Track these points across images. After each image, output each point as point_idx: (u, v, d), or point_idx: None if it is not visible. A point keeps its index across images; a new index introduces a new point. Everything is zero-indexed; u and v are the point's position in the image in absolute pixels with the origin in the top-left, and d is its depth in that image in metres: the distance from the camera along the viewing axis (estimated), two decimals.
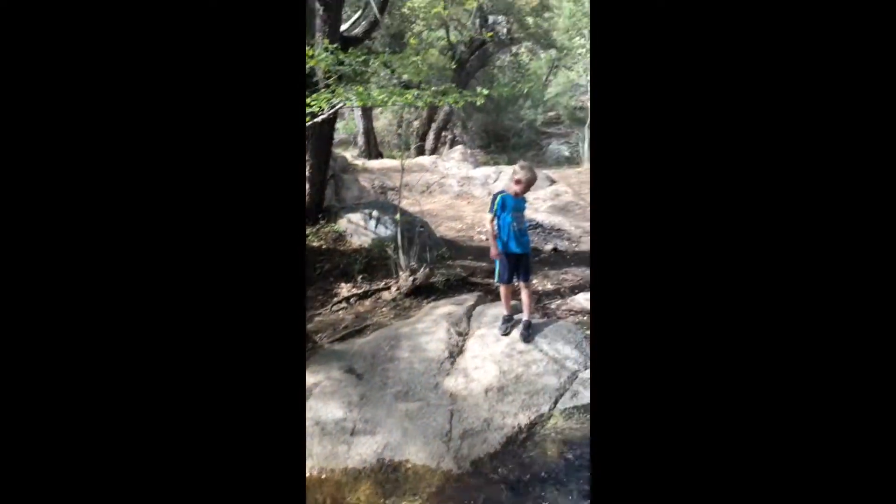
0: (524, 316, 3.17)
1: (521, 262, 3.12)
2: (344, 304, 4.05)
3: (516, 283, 3.18)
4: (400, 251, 4.03)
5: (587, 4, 8.05)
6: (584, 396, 2.70)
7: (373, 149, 13.77)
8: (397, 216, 4.10)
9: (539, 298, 4.19)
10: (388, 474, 2.33)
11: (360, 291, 4.17)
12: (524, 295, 3.17)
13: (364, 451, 2.43)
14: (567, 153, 13.91)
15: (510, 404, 2.66)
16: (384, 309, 3.95)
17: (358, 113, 13.37)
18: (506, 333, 3.13)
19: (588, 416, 2.58)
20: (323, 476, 2.34)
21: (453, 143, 14.80)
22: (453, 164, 9.65)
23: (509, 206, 3.04)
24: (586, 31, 8.07)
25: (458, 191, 8.23)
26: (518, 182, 3.00)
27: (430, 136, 14.18)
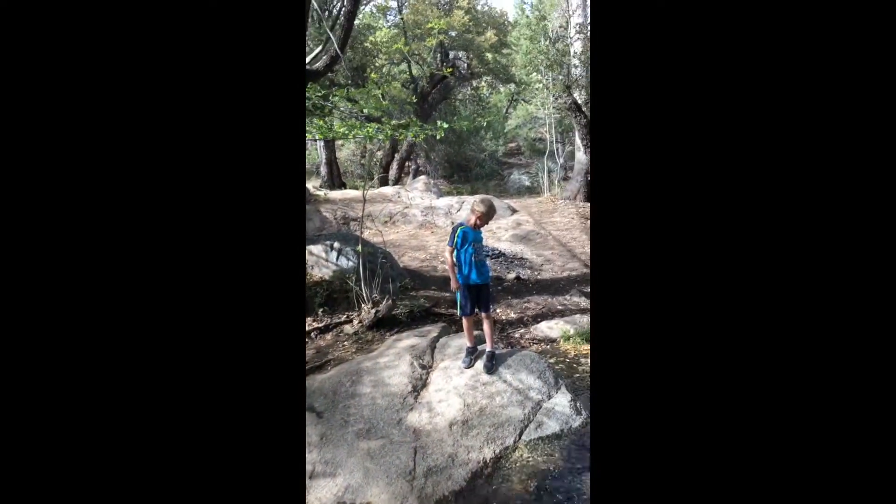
0: (487, 347, 3.16)
1: (481, 293, 3.15)
2: (304, 339, 3.93)
3: (478, 314, 3.18)
4: (362, 283, 3.98)
5: (543, 42, 8.46)
6: (549, 427, 2.70)
7: (336, 179, 13.74)
8: (359, 247, 4.06)
9: (503, 328, 4.21)
10: None
11: (320, 325, 4.07)
12: (486, 326, 3.18)
13: (323, 494, 2.32)
14: (528, 183, 14.31)
15: (475, 438, 2.62)
16: (346, 343, 3.86)
17: (321, 144, 13.36)
18: (469, 366, 3.11)
19: (552, 448, 2.58)
20: None
21: (417, 174, 14.99)
22: (416, 194, 9.73)
23: (469, 238, 3.07)
24: (542, 68, 8.44)
25: (421, 220, 8.27)
26: (478, 215, 3.06)
27: (394, 166, 14.31)
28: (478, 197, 3.23)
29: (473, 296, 3.12)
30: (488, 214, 3.05)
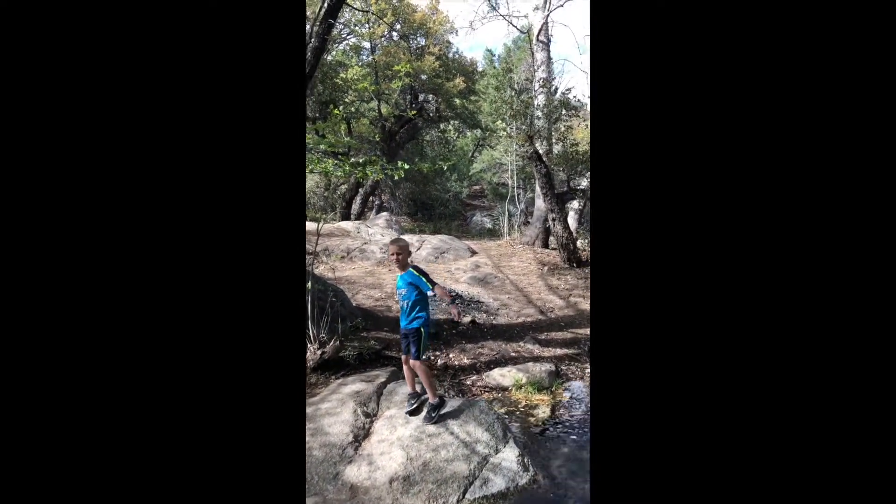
0: (428, 397, 3.01)
1: (407, 338, 3.00)
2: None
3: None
4: (310, 322, 3.79)
5: (508, 93, 8.79)
6: (495, 484, 2.57)
7: None
8: (309, 284, 3.89)
9: (454, 373, 4.09)
10: None
11: None
12: (418, 373, 3.00)
13: None
14: (489, 225, 14.52)
15: (416, 496, 2.45)
16: None
17: None
18: (411, 412, 2.97)
19: None
20: None
21: (380, 209, 14.94)
22: (377, 230, 9.63)
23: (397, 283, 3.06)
24: (507, 117, 8.74)
25: (380, 257, 8.14)
26: (392, 256, 3.01)
27: (357, 200, 14.23)
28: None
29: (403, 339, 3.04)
30: (392, 253, 3.00)
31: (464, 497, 2.48)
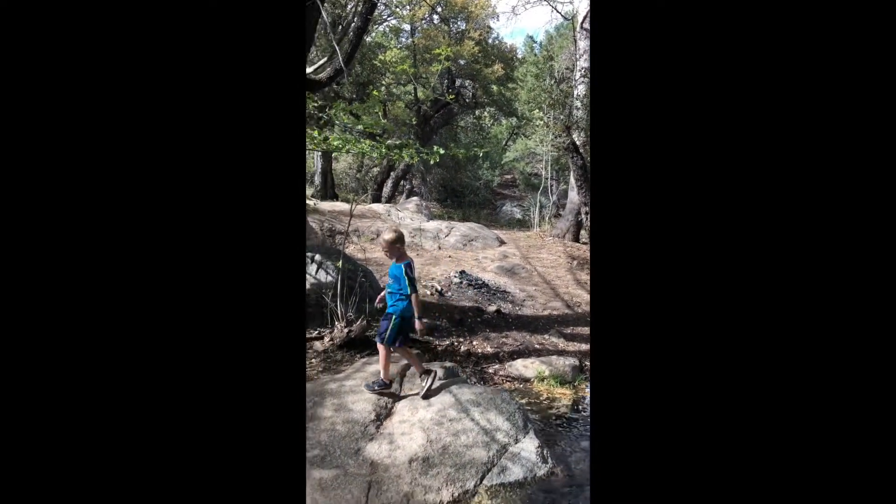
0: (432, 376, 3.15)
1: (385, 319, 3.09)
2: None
3: (405, 346, 3.15)
4: (338, 300, 3.86)
5: (548, 81, 8.62)
6: (513, 473, 2.58)
7: (329, 189, 13.69)
8: (340, 263, 3.96)
9: (477, 361, 4.11)
10: None
11: None
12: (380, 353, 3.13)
13: None
14: (519, 216, 14.38)
15: (434, 478, 2.49)
16: (314, 360, 3.72)
17: (317, 153, 13.33)
18: (425, 395, 3.05)
19: (514, 496, 2.46)
20: None
21: (410, 194, 15.00)
22: (407, 214, 9.68)
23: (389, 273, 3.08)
24: (545, 106, 8.58)
25: (408, 241, 8.19)
26: (384, 248, 3.04)
27: (389, 183, 14.31)
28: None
29: None
30: (395, 243, 2.99)
31: (481, 483, 2.51)
